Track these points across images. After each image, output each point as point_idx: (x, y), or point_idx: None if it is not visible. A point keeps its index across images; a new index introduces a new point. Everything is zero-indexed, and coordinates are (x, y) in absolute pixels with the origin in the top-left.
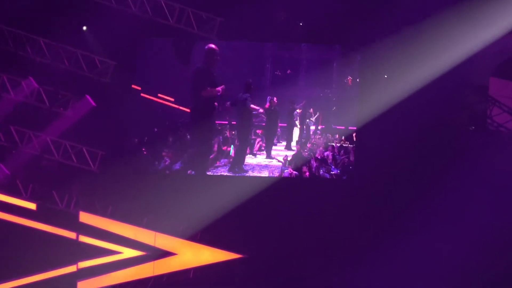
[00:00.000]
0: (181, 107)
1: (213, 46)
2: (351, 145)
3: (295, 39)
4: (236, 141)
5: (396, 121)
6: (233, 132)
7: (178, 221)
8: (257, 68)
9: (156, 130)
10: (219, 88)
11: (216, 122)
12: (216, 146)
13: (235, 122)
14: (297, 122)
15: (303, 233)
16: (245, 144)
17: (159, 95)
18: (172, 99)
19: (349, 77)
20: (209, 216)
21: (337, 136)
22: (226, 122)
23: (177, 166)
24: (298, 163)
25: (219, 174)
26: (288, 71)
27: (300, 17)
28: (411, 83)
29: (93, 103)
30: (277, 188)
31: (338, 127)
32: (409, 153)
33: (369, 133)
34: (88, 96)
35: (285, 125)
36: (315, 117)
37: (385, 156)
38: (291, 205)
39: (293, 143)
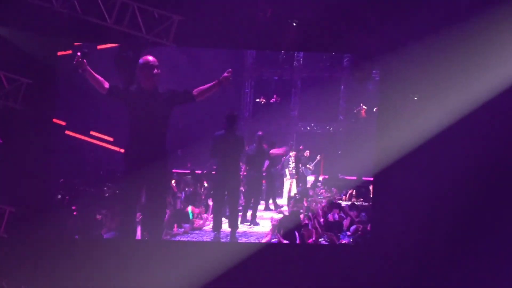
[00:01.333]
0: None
1: (147, 58)
2: (366, 203)
3: (286, 46)
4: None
5: (435, 164)
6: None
7: None
8: (233, 93)
9: (101, 173)
10: None
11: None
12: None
13: (215, 171)
14: (287, 171)
15: None
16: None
17: (92, 133)
18: (110, 139)
19: (362, 106)
20: None
21: (345, 191)
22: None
23: (109, 235)
24: (289, 229)
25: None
26: (274, 99)
27: (293, 15)
28: (455, 106)
29: None
30: (267, 258)
31: (347, 177)
32: (459, 213)
33: (393, 185)
34: None
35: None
36: (314, 162)
37: (420, 220)
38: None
39: (282, 200)
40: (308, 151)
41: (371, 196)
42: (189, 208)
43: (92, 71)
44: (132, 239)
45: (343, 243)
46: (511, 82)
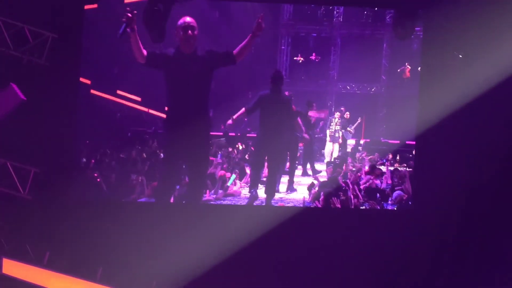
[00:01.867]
0: (152, 111)
1: (184, 19)
2: (410, 169)
3: (325, 0)
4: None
5: (480, 128)
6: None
7: (150, 274)
8: (268, 50)
9: (128, 134)
10: None
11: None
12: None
13: (256, 134)
14: (328, 132)
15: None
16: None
17: (119, 92)
18: (138, 99)
19: (407, 65)
20: (201, 266)
21: (389, 156)
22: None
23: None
24: (328, 194)
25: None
26: (313, 56)
27: None
28: (504, 64)
29: (22, 96)
30: (305, 222)
31: (390, 141)
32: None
33: (435, 150)
34: (13, 85)
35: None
36: (355, 125)
37: (462, 188)
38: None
39: (321, 165)
40: (348, 113)
41: (413, 161)
42: (228, 174)
43: (137, 34)
44: (167, 203)
45: (384, 209)
46: None
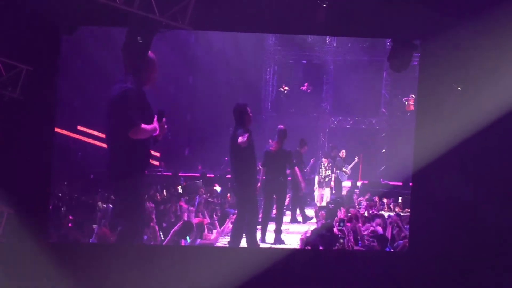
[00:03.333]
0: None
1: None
2: None
3: (314, 30)
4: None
5: (480, 164)
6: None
7: None
8: (252, 81)
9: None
10: (155, 125)
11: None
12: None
13: (231, 174)
14: (316, 179)
15: None
16: (254, 204)
17: (80, 128)
18: (103, 135)
19: (411, 96)
20: None
21: (390, 200)
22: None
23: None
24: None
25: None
26: (305, 86)
27: None
28: (503, 98)
29: None
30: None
31: (390, 182)
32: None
33: (433, 188)
34: None
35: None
36: (352, 165)
37: (462, 229)
38: None
39: (309, 211)
40: (344, 151)
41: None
42: (206, 221)
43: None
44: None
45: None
46: None
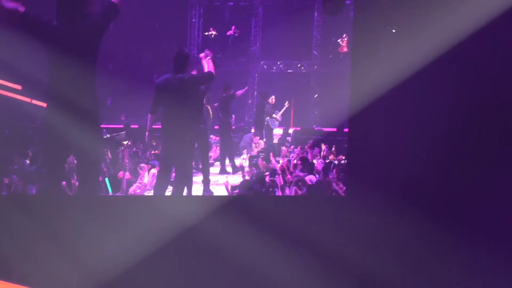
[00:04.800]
0: (35, 101)
1: None
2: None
3: None
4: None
5: (416, 109)
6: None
7: (71, 272)
8: (177, 24)
9: (7, 131)
10: None
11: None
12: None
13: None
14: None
15: None
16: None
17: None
18: (18, 87)
19: (344, 37)
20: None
21: (324, 147)
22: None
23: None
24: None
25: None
26: (232, 30)
27: None
28: (440, 38)
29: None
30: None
31: (324, 129)
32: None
33: (370, 135)
34: None
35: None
36: (282, 111)
37: (401, 180)
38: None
39: (239, 160)
40: (273, 97)
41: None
42: (127, 175)
43: None
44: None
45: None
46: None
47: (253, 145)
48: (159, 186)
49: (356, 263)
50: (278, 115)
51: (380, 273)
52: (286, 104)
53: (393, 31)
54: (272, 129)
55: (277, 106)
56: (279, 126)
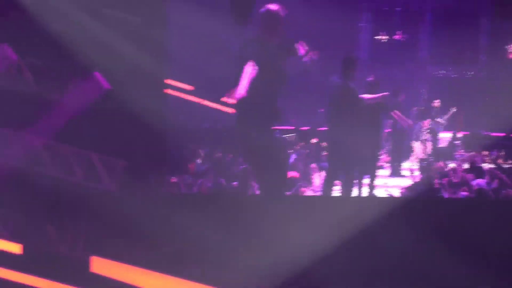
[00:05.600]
0: (210, 103)
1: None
2: None
3: None
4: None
5: None
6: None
7: (249, 271)
8: (346, 29)
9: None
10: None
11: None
12: None
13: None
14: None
15: None
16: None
17: (169, 81)
18: (191, 87)
19: None
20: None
21: (492, 152)
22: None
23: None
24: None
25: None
26: (398, 35)
27: None
28: None
29: (106, 84)
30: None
31: (492, 133)
32: None
33: None
34: (96, 74)
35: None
36: (448, 116)
37: None
38: None
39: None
40: (438, 101)
41: None
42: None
43: None
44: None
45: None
46: None
47: (421, 148)
48: (325, 189)
49: None
50: (442, 119)
51: None
52: (454, 109)
53: None
54: (437, 133)
55: (442, 111)
56: (446, 130)
